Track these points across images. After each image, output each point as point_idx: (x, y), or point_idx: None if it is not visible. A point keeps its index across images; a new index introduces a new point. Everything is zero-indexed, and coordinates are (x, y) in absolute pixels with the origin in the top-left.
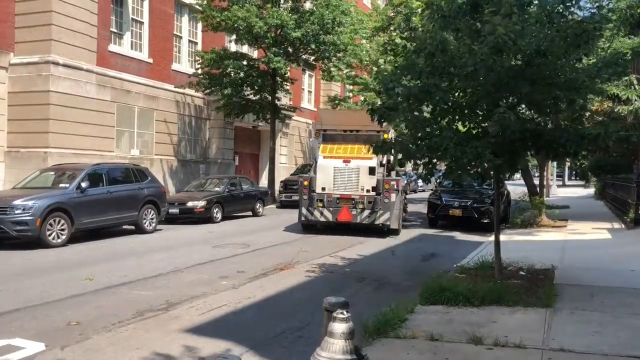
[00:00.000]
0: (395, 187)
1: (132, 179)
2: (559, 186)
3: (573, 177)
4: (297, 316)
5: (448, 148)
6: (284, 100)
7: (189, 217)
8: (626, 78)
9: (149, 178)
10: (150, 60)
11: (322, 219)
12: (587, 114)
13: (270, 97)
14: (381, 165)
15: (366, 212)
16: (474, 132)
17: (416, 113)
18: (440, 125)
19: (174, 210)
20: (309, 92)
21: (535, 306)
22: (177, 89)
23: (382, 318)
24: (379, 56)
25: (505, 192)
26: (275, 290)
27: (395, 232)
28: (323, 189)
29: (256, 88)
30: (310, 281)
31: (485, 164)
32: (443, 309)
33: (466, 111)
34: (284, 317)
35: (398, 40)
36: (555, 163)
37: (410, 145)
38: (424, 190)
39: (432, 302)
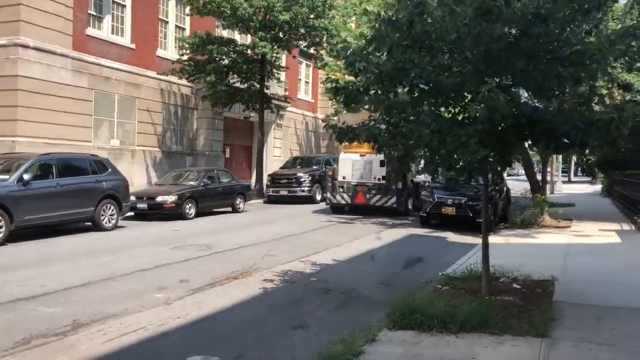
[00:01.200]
0: None
1: (89, 171)
2: (564, 182)
3: (579, 173)
4: (229, 347)
5: (422, 136)
6: (277, 89)
7: (158, 213)
8: None
9: (109, 170)
10: (133, 46)
11: (343, 202)
12: (596, 98)
13: (259, 86)
14: None
15: (377, 197)
16: (459, 118)
17: (391, 95)
18: (421, 110)
19: (142, 206)
20: (306, 82)
21: (528, 334)
22: (161, 77)
23: (328, 354)
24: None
25: (505, 188)
26: (214, 307)
27: (405, 212)
28: (344, 177)
29: (243, 76)
30: (262, 295)
31: (469, 157)
32: (413, 337)
33: (452, 94)
34: (211, 348)
35: (369, 8)
36: (560, 158)
37: (382, 133)
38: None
39: (401, 326)
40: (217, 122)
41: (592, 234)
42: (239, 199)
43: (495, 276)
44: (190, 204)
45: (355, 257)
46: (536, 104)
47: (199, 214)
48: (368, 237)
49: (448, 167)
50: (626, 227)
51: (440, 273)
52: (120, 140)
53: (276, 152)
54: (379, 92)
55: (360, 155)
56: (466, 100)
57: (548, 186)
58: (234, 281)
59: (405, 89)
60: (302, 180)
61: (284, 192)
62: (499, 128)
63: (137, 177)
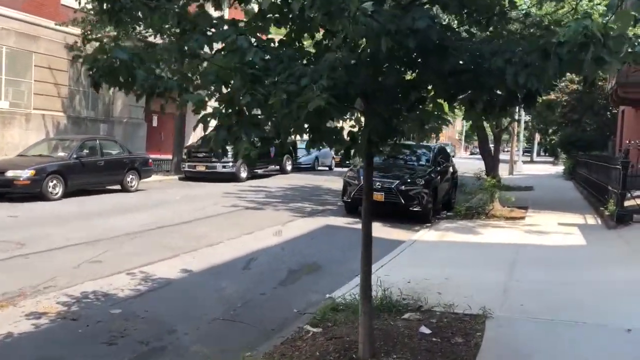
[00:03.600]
0: None
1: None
2: (526, 162)
3: (542, 153)
4: None
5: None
6: None
7: (9, 192)
8: None
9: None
10: None
11: None
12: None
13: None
14: None
15: None
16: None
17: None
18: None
19: None
20: None
21: None
22: (65, 28)
23: None
24: None
25: (450, 169)
26: None
27: None
28: None
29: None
30: None
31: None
32: None
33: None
34: None
35: None
36: (521, 135)
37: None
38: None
39: None
40: None
41: (550, 229)
42: (131, 176)
43: (399, 307)
44: (55, 182)
45: (220, 266)
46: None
47: (70, 194)
48: (267, 230)
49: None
50: (591, 220)
51: (327, 296)
52: (10, 101)
53: (213, 123)
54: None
55: None
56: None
57: (507, 166)
58: None
59: None
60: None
61: (201, 168)
62: (381, 66)
63: None
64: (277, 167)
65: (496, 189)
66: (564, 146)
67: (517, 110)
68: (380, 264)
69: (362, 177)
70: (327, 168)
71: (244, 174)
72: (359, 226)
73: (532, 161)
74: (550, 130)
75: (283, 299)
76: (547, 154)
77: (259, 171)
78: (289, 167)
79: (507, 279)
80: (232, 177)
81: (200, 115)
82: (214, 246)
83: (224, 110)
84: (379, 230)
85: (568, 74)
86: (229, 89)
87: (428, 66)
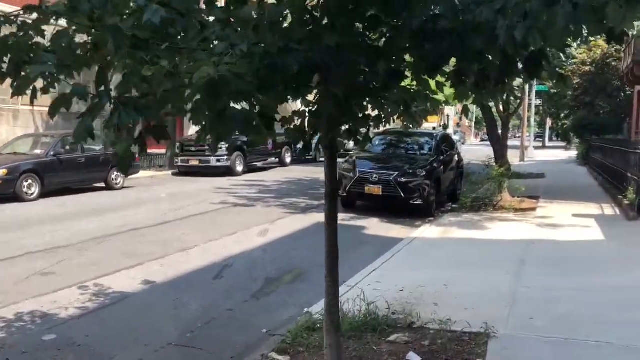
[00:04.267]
0: None
1: None
2: (538, 148)
3: (554, 138)
4: None
5: None
6: None
7: None
8: None
9: None
10: None
11: None
12: None
13: None
14: None
15: None
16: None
17: None
18: None
19: None
20: None
21: None
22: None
23: None
24: None
25: (455, 158)
26: None
27: None
28: None
29: None
30: None
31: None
32: None
33: None
34: None
35: None
36: (532, 120)
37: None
38: None
39: None
40: None
41: (563, 222)
42: (115, 173)
43: (386, 325)
44: (30, 181)
45: (188, 275)
46: None
47: (50, 194)
48: (253, 230)
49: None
50: (608, 210)
51: (305, 310)
52: None
53: None
54: None
55: None
56: None
57: (518, 152)
58: None
59: None
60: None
61: (194, 162)
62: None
63: None
64: (277, 159)
65: (505, 178)
66: (577, 130)
67: (523, 87)
68: (373, 267)
69: (358, 170)
70: None
71: (239, 168)
72: (355, 223)
73: (544, 146)
74: (562, 115)
75: (253, 316)
76: (559, 139)
77: (259, 164)
78: (288, 160)
79: (514, 284)
80: (228, 171)
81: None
82: (187, 251)
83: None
84: (376, 227)
85: (579, 54)
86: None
87: (393, 24)
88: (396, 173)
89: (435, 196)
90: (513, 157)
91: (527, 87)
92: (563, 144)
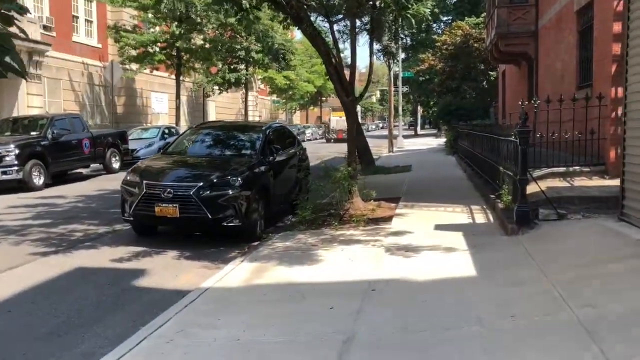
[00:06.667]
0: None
1: None
2: (411, 137)
3: (427, 126)
4: None
5: None
6: (27, 26)
7: None
8: None
9: None
10: None
11: (332, 137)
12: None
13: None
14: None
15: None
16: None
17: None
18: None
19: None
20: (88, 21)
21: None
22: None
23: None
24: None
25: (297, 156)
26: None
27: None
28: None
29: None
30: None
31: None
32: None
33: None
34: None
35: None
36: (400, 108)
37: None
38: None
39: None
40: None
41: (422, 242)
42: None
43: None
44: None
45: None
46: None
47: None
48: None
49: None
50: (480, 215)
51: None
52: None
53: (35, 113)
54: None
55: (340, 117)
56: None
57: (387, 143)
58: None
59: None
60: (2, 155)
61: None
62: None
63: None
64: (102, 164)
65: (353, 180)
66: (443, 117)
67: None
68: None
69: (144, 183)
70: None
71: (39, 181)
72: (134, 263)
73: (416, 134)
74: (432, 102)
75: None
76: (431, 126)
77: (83, 171)
78: (116, 165)
79: None
80: (22, 186)
81: None
82: None
83: None
84: (164, 268)
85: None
86: None
87: None
88: (199, 184)
89: (264, 210)
90: (382, 148)
91: (391, 73)
92: (434, 131)
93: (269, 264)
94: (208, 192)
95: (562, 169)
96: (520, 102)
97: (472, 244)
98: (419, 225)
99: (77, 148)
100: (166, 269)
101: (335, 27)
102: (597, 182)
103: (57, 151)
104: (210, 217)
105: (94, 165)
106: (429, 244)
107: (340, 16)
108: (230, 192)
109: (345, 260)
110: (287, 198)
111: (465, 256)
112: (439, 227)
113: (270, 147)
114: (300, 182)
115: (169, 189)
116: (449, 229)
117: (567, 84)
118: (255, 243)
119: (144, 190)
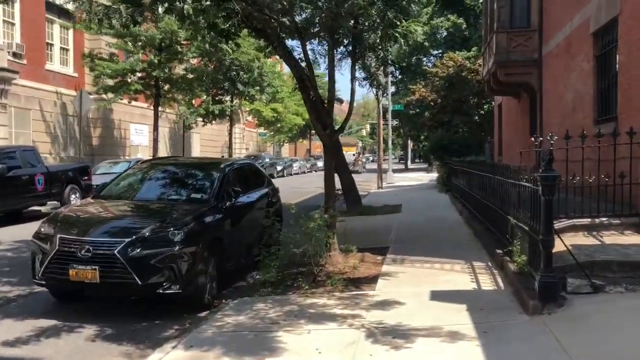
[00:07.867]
0: None
1: None
2: (401, 171)
3: (418, 160)
4: None
5: None
6: None
7: None
8: None
9: None
10: None
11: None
12: None
13: None
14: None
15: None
16: None
17: None
18: None
19: None
20: (64, 49)
21: None
22: None
23: None
24: None
25: (265, 199)
26: None
27: None
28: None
29: None
30: None
31: None
32: None
33: None
34: None
35: None
36: (389, 142)
37: None
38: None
39: None
40: None
41: (417, 321)
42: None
43: None
44: None
45: None
46: None
47: None
48: None
49: None
50: (486, 279)
51: None
52: None
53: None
54: None
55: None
56: None
57: (377, 178)
58: None
59: None
60: None
61: None
62: None
63: None
64: (59, 202)
65: (331, 230)
66: (435, 152)
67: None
68: None
69: (57, 238)
70: None
71: None
72: (32, 351)
73: (406, 169)
74: (422, 137)
75: None
76: (422, 160)
77: (42, 209)
78: (76, 202)
79: None
80: None
81: None
82: None
83: None
84: (68, 357)
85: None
86: None
87: None
88: (127, 240)
89: (216, 270)
90: (371, 182)
91: (380, 106)
92: (425, 165)
93: (209, 353)
94: (138, 250)
95: (586, 221)
96: (533, 138)
97: (482, 326)
98: (410, 290)
99: (29, 184)
100: (69, 359)
101: (310, 46)
102: (633, 238)
103: (1, 188)
104: (139, 283)
105: (53, 203)
106: (425, 324)
107: (315, 31)
108: (168, 249)
109: (311, 352)
110: (250, 251)
111: (475, 351)
112: (436, 295)
113: (229, 189)
114: (269, 231)
115: (87, 246)
116: (449, 298)
117: (581, 117)
118: (203, 313)
119: (57, 247)
